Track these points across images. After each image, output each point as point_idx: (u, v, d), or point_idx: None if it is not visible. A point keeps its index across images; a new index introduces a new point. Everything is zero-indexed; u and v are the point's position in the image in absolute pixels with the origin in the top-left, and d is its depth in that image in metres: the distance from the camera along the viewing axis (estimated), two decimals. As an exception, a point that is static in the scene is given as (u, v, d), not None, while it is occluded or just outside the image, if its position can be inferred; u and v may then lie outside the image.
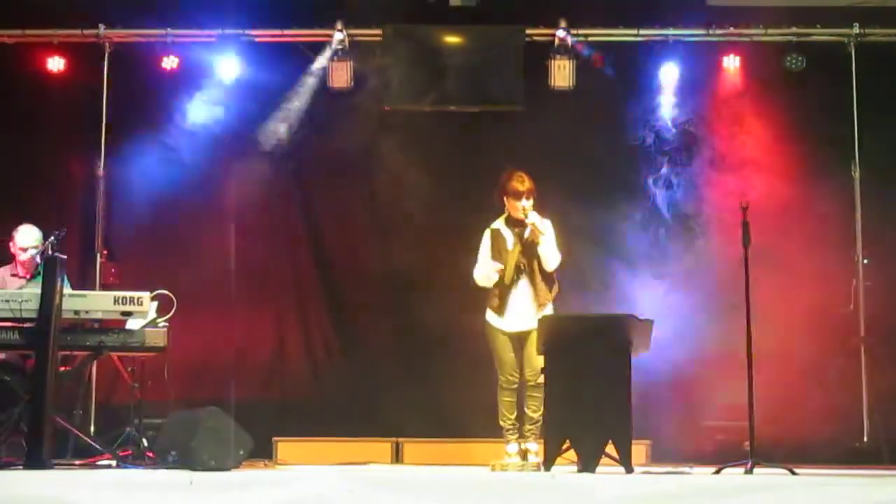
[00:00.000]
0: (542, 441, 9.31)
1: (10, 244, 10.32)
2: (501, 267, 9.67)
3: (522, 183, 9.70)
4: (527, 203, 9.67)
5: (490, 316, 9.79)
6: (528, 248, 9.69)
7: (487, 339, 9.84)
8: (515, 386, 9.68)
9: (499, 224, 9.85)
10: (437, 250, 11.71)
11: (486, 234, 9.88)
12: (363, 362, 12.09)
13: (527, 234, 9.70)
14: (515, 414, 9.68)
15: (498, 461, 9.67)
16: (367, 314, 12.21)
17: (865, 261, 11.63)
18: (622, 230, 11.74)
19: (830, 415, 11.19)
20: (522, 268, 9.70)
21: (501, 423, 9.71)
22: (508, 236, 9.78)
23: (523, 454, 9.64)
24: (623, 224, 11.78)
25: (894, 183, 11.66)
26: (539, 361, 9.34)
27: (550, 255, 9.66)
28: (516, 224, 9.78)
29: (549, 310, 9.68)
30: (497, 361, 9.76)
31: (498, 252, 9.77)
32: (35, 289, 9.24)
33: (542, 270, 9.69)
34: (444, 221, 11.87)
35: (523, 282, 9.70)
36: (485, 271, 9.76)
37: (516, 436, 9.68)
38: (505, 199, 9.79)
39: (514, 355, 9.67)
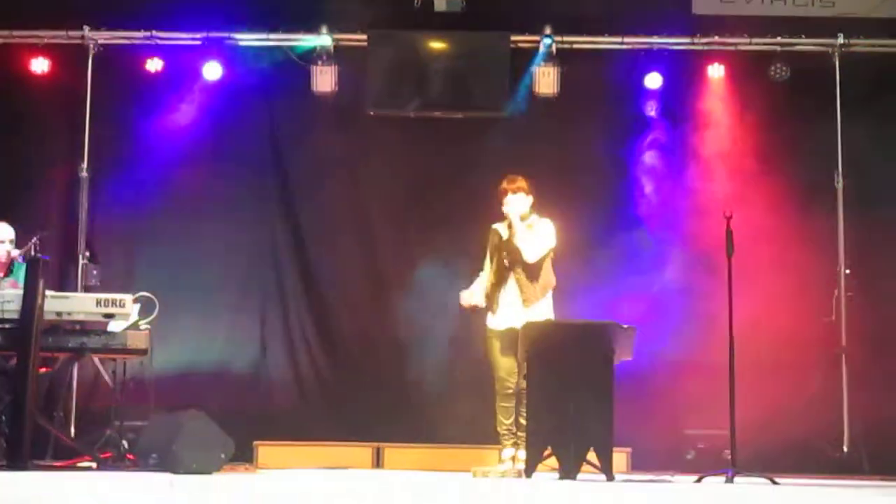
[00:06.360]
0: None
1: (-14, 241, 10.27)
2: (473, 304, 9.75)
3: (510, 182, 9.69)
4: (512, 197, 9.63)
5: (488, 318, 9.71)
6: (511, 244, 9.67)
7: (485, 345, 9.76)
8: (511, 391, 9.48)
9: (498, 224, 9.82)
10: (420, 255, 11.69)
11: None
12: (345, 367, 12.06)
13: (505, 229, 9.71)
14: (512, 419, 9.52)
15: (479, 467, 9.61)
16: (349, 319, 12.18)
17: (847, 271, 11.64)
18: (605, 237, 11.73)
19: (811, 424, 11.21)
20: (507, 265, 9.66)
21: (498, 428, 9.57)
22: (504, 234, 9.74)
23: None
24: (606, 231, 11.78)
25: (877, 193, 11.71)
26: None
27: (526, 246, 9.57)
28: (510, 224, 9.77)
29: (542, 308, 9.59)
30: (492, 366, 9.63)
31: (494, 248, 9.75)
32: (8, 287, 9.24)
33: (528, 268, 9.64)
34: (425, 226, 11.87)
35: (511, 279, 9.67)
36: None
37: (512, 440, 9.53)
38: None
39: (507, 359, 9.52)
